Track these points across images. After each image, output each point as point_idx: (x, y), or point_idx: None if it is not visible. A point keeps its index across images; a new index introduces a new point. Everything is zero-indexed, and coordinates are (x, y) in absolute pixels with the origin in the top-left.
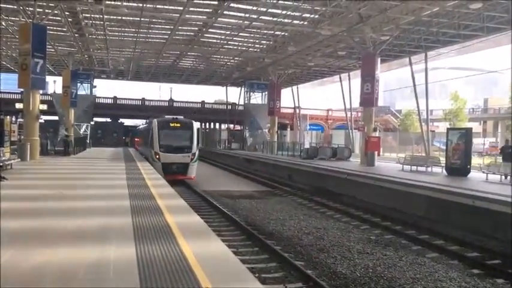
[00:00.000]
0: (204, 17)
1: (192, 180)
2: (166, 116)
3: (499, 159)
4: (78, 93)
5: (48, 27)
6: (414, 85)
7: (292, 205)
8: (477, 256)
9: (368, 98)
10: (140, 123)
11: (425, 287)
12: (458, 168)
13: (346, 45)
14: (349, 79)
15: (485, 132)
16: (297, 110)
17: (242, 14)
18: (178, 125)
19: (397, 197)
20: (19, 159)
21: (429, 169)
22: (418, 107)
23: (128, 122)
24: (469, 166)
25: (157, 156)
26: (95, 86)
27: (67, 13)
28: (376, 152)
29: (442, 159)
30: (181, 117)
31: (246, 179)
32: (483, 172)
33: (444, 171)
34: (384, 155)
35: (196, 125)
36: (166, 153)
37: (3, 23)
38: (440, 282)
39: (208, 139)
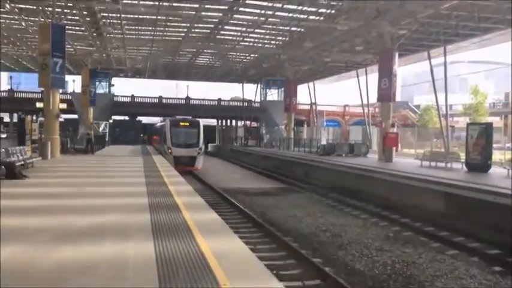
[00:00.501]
0: (220, 14)
1: (198, 170)
2: (177, 117)
3: None
4: (97, 91)
5: (67, 27)
6: (433, 79)
7: (309, 202)
8: (498, 253)
9: (385, 93)
10: (157, 120)
11: (445, 285)
12: (479, 164)
13: (363, 40)
14: (366, 74)
15: (506, 127)
16: (314, 106)
17: (258, 11)
18: (188, 124)
19: (417, 193)
20: (40, 158)
21: (449, 165)
22: (437, 101)
23: (145, 119)
24: (489, 162)
25: (169, 151)
26: (113, 85)
27: (85, 13)
28: (394, 148)
29: (462, 155)
30: (190, 117)
31: (263, 176)
32: (504, 168)
33: (464, 167)
34: (403, 150)
35: (202, 123)
36: (177, 147)
37: (23, 24)
38: (461, 279)
39: (224, 136)
